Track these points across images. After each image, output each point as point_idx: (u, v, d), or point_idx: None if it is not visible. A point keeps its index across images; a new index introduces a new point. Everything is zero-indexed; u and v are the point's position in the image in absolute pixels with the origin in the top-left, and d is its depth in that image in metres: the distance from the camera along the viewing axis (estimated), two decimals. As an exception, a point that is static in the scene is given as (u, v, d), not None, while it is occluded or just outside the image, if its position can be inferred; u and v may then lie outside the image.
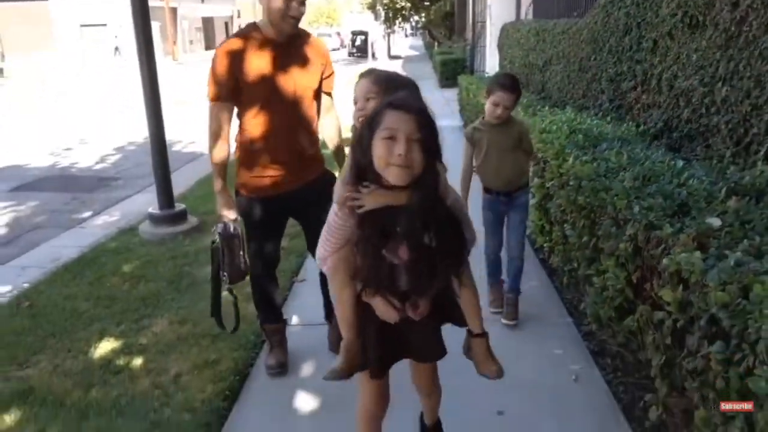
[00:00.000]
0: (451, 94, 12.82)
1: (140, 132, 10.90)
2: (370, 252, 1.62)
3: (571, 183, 3.15)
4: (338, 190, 1.70)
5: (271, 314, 2.91)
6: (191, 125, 10.16)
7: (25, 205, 6.75)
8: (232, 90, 2.52)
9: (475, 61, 15.89)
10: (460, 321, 1.89)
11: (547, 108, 5.46)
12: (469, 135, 3.28)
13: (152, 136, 4.96)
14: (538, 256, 4.22)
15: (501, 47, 10.87)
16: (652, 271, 2.22)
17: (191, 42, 44.80)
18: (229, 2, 51.23)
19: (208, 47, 46.60)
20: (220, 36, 50.08)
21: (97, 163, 8.87)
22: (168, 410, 2.54)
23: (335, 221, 1.64)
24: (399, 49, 35.57)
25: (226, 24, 51.57)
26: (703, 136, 3.56)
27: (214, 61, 2.52)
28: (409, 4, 34.23)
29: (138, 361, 2.95)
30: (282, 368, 2.83)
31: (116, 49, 35.47)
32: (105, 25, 35.87)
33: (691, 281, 1.85)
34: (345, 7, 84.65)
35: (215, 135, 2.59)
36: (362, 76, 1.99)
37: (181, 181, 6.87)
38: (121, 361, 2.96)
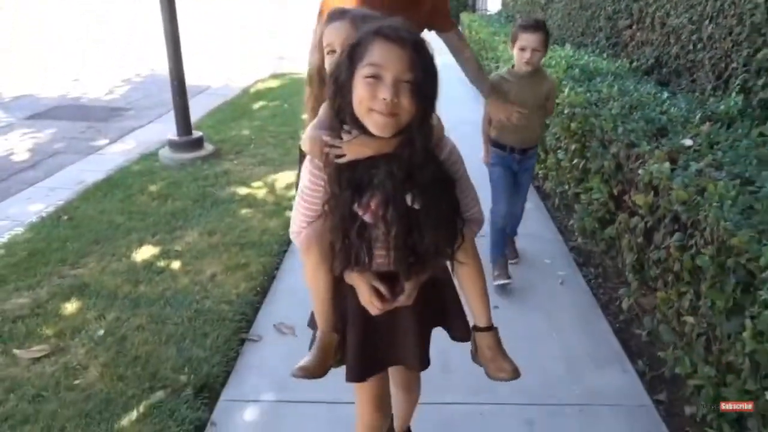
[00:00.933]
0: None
1: (144, 64, 11.08)
2: (341, 210, 1.33)
3: (565, 112, 3.47)
4: (311, 137, 1.36)
5: None
6: (195, 58, 10.30)
7: (43, 132, 7.01)
8: None
9: (477, -1, 15.84)
10: (452, 327, 1.62)
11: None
12: (495, 83, 2.99)
13: (171, 66, 5.21)
14: (533, 183, 4.58)
15: (504, -16, 10.92)
16: (630, 183, 2.58)
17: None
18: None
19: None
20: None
21: (106, 94, 9.05)
22: (208, 302, 2.94)
23: (309, 180, 1.37)
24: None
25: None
26: (689, 71, 3.86)
27: None
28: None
29: (176, 264, 3.34)
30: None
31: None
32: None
33: (660, 187, 2.21)
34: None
35: None
36: (332, 17, 1.57)
37: (192, 112, 7.15)
38: (161, 263, 3.34)
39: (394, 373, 1.74)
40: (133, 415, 2.18)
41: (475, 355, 1.59)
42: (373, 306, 1.43)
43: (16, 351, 2.55)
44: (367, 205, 1.31)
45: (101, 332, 2.68)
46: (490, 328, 1.55)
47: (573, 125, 3.26)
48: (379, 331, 1.51)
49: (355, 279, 1.43)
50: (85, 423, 2.13)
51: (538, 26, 2.90)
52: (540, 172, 4.32)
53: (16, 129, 7.12)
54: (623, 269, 2.77)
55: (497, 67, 5.71)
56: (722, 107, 3.02)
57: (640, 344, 2.63)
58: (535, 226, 3.85)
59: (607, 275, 3.18)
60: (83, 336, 2.66)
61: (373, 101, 1.21)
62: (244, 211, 4.09)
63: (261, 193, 4.45)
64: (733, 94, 3.14)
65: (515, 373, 1.53)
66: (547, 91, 3.04)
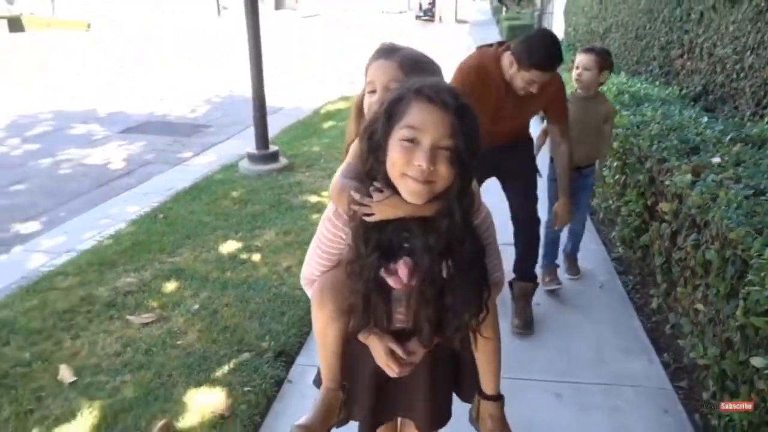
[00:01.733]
0: (516, 59, 13.20)
1: (222, 85, 11.92)
2: (366, 274, 1.26)
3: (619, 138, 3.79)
4: (339, 187, 1.29)
5: None
6: (271, 80, 11.04)
7: (135, 144, 7.77)
8: None
9: (543, 27, 16.15)
10: (463, 388, 1.58)
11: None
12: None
13: (254, 86, 5.80)
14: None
15: (567, 13, 11.23)
16: (661, 195, 2.89)
17: (262, 0, 45.64)
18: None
19: (278, 7, 47.40)
20: (289, -4, 50.55)
21: (189, 112, 9.84)
22: (285, 287, 3.39)
23: (328, 228, 1.31)
24: (466, 13, 35.43)
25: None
26: (732, 98, 4.11)
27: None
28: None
29: (257, 257, 3.83)
30: None
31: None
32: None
33: (683, 196, 2.52)
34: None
35: None
36: (381, 54, 1.44)
37: (273, 125, 7.76)
38: (243, 256, 3.84)
39: None
40: (225, 369, 2.64)
41: (475, 421, 1.49)
42: (390, 369, 1.37)
43: (129, 317, 3.07)
44: (395, 271, 1.25)
45: (196, 306, 3.17)
46: (497, 398, 1.45)
47: (615, 144, 3.58)
48: (390, 389, 1.48)
49: (371, 341, 1.38)
50: (187, 372, 2.60)
51: (592, 49, 3.21)
52: (588, 189, 4.62)
53: (111, 141, 7.91)
54: (655, 272, 3.06)
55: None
56: (755, 130, 3.28)
57: (667, 340, 2.91)
58: (583, 240, 4.15)
59: (645, 281, 3.45)
60: (181, 309, 3.16)
61: (407, 166, 1.13)
62: (314, 216, 4.56)
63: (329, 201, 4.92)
64: (767, 118, 3.40)
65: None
66: (605, 114, 3.26)
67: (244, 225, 4.39)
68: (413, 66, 1.37)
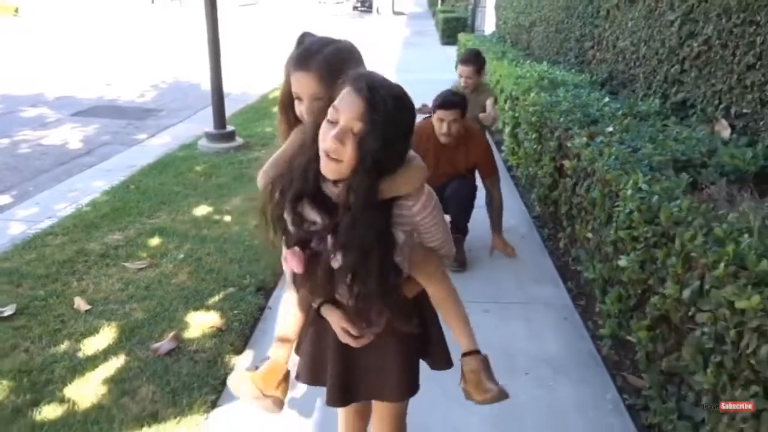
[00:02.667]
0: (453, 51, 13.99)
1: (166, 72, 12.14)
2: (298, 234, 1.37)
3: (530, 110, 4.50)
4: (264, 173, 1.56)
5: None
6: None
7: (89, 127, 8.05)
8: None
9: (475, 21, 16.97)
10: (434, 359, 1.64)
11: (528, 62, 6.81)
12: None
13: (212, 70, 6.25)
14: (510, 172, 5.60)
15: (498, 8, 12.04)
16: (566, 156, 3.60)
17: (197, -11, 44.98)
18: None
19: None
20: (225, -16, 49.84)
21: (138, 97, 10.09)
22: (257, 241, 3.94)
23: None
24: (403, 5, 36.16)
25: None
26: (630, 83, 4.90)
27: None
28: (414, -39, 34.68)
29: (227, 218, 4.36)
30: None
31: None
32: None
33: (580, 154, 3.22)
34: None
35: None
36: (298, 64, 1.48)
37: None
38: (216, 217, 4.36)
39: (373, 419, 1.74)
40: (216, 299, 3.19)
41: (463, 386, 1.52)
42: (346, 338, 1.44)
43: (124, 264, 3.56)
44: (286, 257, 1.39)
45: (181, 256, 3.69)
46: (473, 353, 1.51)
47: (533, 119, 4.29)
48: (359, 364, 1.53)
49: (327, 314, 1.46)
50: (184, 301, 3.14)
51: (468, 60, 4.52)
52: (514, 161, 5.35)
53: (65, 124, 8.16)
54: (562, 220, 3.78)
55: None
56: (644, 108, 4.05)
57: (571, 273, 3.64)
58: (509, 203, 4.86)
59: (556, 231, 4.18)
60: (169, 257, 3.67)
61: (324, 143, 1.22)
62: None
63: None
64: (653, 98, 4.18)
65: (500, 394, 1.48)
66: (487, 97, 4.49)
67: (211, 193, 4.89)
68: (330, 71, 1.40)
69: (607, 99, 4.39)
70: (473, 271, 3.67)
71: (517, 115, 5.04)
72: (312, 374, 1.61)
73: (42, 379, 2.48)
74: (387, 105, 1.19)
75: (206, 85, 6.67)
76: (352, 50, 1.53)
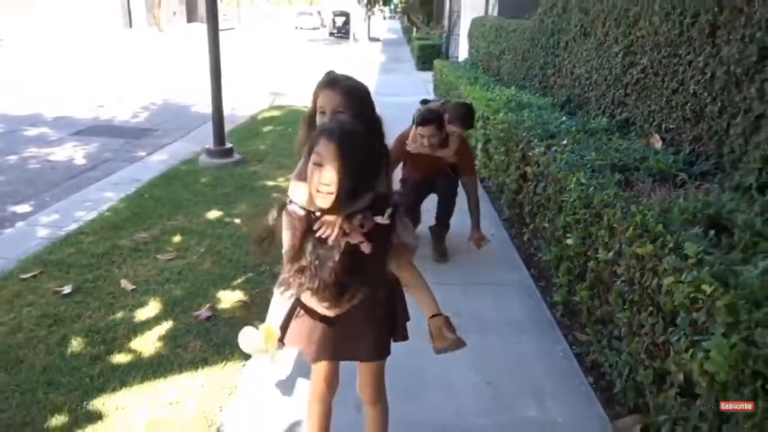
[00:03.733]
0: (428, 76, 14.85)
1: (155, 94, 12.73)
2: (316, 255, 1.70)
3: (499, 127, 5.24)
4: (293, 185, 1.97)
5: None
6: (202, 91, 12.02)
7: (90, 145, 8.59)
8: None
9: (450, 48, 17.90)
10: (397, 332, 2.02)
11: (497, 87, 7.59)
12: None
13: (213, 92, 6.90)
14: (482, 182, 6.32)
15: (470, 37, 12.92)
16: (528, 165, 4.31)
17: (174, 13, 45.68)
18: (212, -24, 51.79)
19: (189, 20, 47.53)
20: (201, 8, 50.65)
21: (132, 117, 10.66)
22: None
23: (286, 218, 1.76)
24: (378, 31, 37.29)
25: (209, -3, 52.16)
26: (585, 104, 5.68)
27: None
28: (390, -11, 35.90)
29: (237, 220, 4.97)
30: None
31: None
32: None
33: (539, 161, 3.94)
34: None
35: None
36: (327, 85, 2.05)
37: (210, 132, 8.81)
38: (227, 219, 4.98)
39: (359, 379, 2.07)
40: (238, 281, 3.81)
41: (432, 342, 1.86)
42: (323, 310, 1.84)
43: (156, 256, 4.16)
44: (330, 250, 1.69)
45: (203, 250, 4.30)
46: (437, 315, 1.85)
47: (501, 134, 5.02)
48: (335, 327, 1.89)
49: (307, 301, 1.85)
50: (213, 283, 3.76)
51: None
52: (487, 173, 6.07)
53: (67, 142, 8.70)
54: (525, 218, 4.48)
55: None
56: (594, 125, 4.81)
57: (534, 263, 4.33)
58: (483, 208, 5.56)
59: (521, 230, 4.89)
60: (192, 251, 4.28)
61: (312, 183, 1.61)
62: (275, 194, 5.74)
63: (285, 184, 6.11)
64: (602, 117, 4.95)
65: (458, 341, 1.83)
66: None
67: (219, 201, 5.51)
68: (350, 92, 2.00)
69: (564, 118, 5.15)
70: (453, 261, 4.35)
71: (487, 132, 5.78)
72: (307, 342, 1.96)
73: (109, 336, 3.08)
74: (354, 144, 1.59)
75: (198, 106, 7.31)
76: (365, 87, 2.11)
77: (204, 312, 3.33)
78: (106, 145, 8.63)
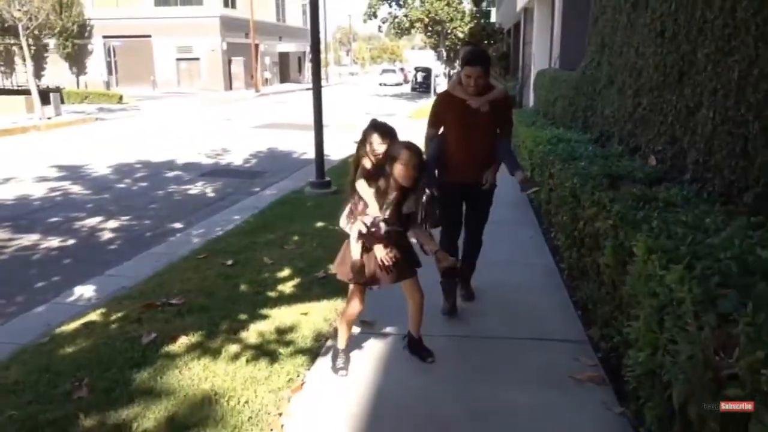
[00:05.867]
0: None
1: (256, 145, 14.92)
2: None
3: (539, 156, 6.71)
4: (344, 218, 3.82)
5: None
6: (297, 141, 14.10)
7: (215, 183, 10.66)
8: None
9: (523, 97, 19.42)
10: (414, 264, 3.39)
11: (548, 127, 9.07)
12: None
13: (316, 137, 8.79)
14: (529, 196, 7.75)
15: (536, 87, 14.44)
16: (552, 177, 5.76)
17: (266, 80, 49.50)
18: (303, 39, 56.05)
19: (283, 80, 51.48)
20: (293, 70, 54.83)
21: (244, 163, 12.79)
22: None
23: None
24: (457, 85, 39.21)
25: (299, 59, 56.41)
26: (611, 138, 7.06)
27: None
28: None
29: (336, 227, 6.64)
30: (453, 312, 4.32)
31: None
32: (198, 59, 41.27)
33: (556, 174, 5.39)
34: (407, 44, 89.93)
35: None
36: (373, 129, 3.40)
37: (310, 171, 10.67)
38: (330, 227, 6.64)
39: (404, 285, 3.42)
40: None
41: (439, 269, 3.81)
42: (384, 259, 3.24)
43: (284, 246, 5.87)
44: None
45: (315, 244, 5.98)
46: (439, 250, 3.37)
47: (539, 161, 6.50)
48: (375, 264, 3.29)
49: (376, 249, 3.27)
50: (323, 260, 5.37)
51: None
52: (532, 195, 7.50)
53: (197, 181, 10.81)
54: (552, 219, 5.89)
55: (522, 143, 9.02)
56: (612, 151, 6.20)
57: (557, 251, 5.71)
58: (519, 213, 6.99)
59: (556, 236, 6.27)
60: (307, 245, 5.96)
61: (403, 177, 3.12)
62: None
63: (372, 205, 7.80)
64: (618, 146, 6.35)
65: (456, 262, 3.74)
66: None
67: (323, 216, 7.20)
68: (388, 132, 3.37)
69: (590, 147, 6.57)
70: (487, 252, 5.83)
71: (532, 161, 7.26)
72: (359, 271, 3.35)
73: (263, 283, 4.78)
74: (420, 154, 3.19)
75: (296, 154, 9.15)
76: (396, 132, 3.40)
77: (321, 274, 4.97)
78: (228, 183, 10.68)
